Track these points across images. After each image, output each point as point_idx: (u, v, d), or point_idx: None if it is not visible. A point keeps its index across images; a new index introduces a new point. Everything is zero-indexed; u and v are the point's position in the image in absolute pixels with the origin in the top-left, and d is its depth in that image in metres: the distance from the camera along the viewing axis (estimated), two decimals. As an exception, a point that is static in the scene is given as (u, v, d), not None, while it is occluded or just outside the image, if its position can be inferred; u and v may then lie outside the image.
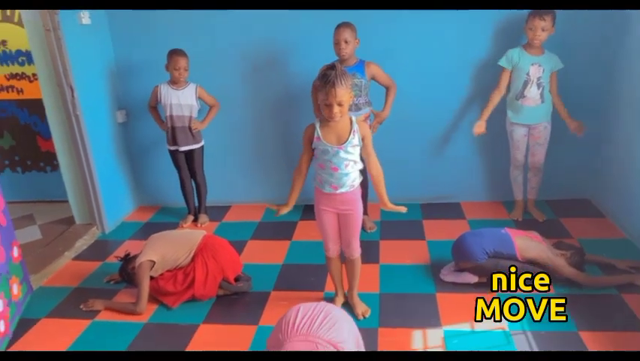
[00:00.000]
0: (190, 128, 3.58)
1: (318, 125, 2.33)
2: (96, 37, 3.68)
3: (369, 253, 3.17)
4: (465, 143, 3.78)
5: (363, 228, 3.32)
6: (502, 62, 3.28)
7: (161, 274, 2.82)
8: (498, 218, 3.59)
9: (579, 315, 2.44)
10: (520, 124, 3.32)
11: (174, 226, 3.84)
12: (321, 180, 2.40)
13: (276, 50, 3.72)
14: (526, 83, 3.21)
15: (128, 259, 2.94)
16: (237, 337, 2.48)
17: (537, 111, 3.26)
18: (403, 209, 2.48)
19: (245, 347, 2.40)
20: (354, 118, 2.35)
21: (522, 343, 2.29)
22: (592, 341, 2.25)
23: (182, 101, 3.53)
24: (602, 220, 3.45)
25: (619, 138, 3.35)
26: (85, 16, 3.48)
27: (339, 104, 2.17)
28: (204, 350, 2.40)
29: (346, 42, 3.09)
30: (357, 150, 2.37)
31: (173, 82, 3.52)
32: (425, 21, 3.48)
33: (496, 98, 3.34)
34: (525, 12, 3.18)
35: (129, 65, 3.90)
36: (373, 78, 3.29)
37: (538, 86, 3.19)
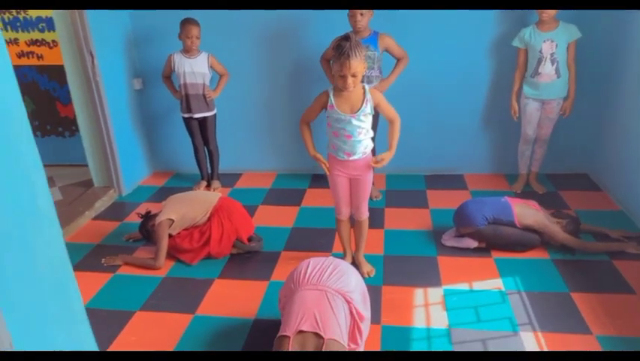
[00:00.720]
0: (204, 96, 3.71)
1: (332, 94, 2.45)
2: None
3: (375, 219, 3.33)
4: (470, 116, 3.89)
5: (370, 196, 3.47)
6: (515, 43, 3.37)
7: (179, 233, 2.99)
8: (499, 189, 3.73)
9: (571, 278, 2.60)
10: (534, 99, 3.41)
11: (188, 190, 3.98)
12: (335, 148, 2.54)
13: (289, 20, 3.81)
14: (539, 61, 3.29)
15: (148, 217, 3.10)
16: (250, 290, 2.66)
17: (552, 87, 3.33)
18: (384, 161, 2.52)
19: (258, 299, 2.58)
20: (367, 87, 2.46)
21: (516, 302, 2.45)
22: (582, 301, 2.41)
23: (195, 69, 3.65)
24: (599, 193, 3.59)
25: (618, 115, 3.46)
26: (105, -16, 3.57)
27: (353, 75, 2.28)
28: (220, 301, 2.58)
29: (361, 14, 3.17)
30: (370, 119, 2.49)
31: (186, 50, 3.64)
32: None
33: (518, 78, 3.46)
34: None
35: (146, 35, 4.00)
36: (386, 50, 3.38)
37: (552, 62, 3.27)
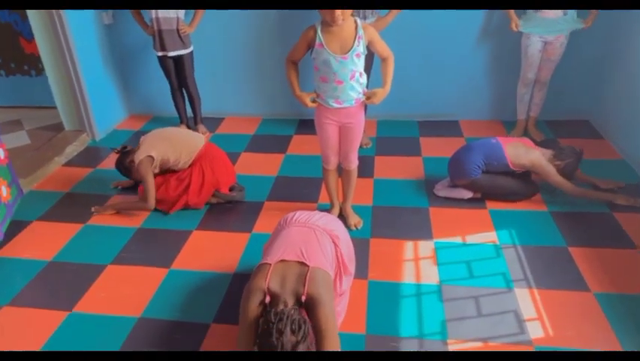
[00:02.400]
0: (178, 32, 3.37)
1: (319, 29, 2.17)
2: None
3: (364, 167, 3.13)
4: (467, 58, 3.62)
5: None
6: None
7: (157, 179, 2.77)
8: (496, 135, 3.52)
9: (569, 231, 2.47)
10: (537, 37, 3.13)
11: (166, 135, 3.75)
12: (324, 96, 2.28)
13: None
14: None
15: (125, 153, 2.84)
16: (231, 242, 2.50)
17: (557, 24, 3.06)
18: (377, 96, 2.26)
19: (239, 252, 2.42)
20: (359, 21, 2.19)
21: (512, 256, 2.32)
22: (580, 257, 2.28)
23: None
24: (600, 141, 3.41)
25: (621, 59, 3.22)
26: None
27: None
28: (198, 254, 2.42)
29: None
30: (363, 60, 2.23)
31: None
32: None
33: None
34: None
35: (114, -40, 3.60)
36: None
37: None
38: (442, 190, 2.84)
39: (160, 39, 3.37)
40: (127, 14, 3.70)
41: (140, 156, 2.67)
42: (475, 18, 3.47)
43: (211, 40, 3.73)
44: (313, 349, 1.55)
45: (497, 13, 3.42)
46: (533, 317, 1.97)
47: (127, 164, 2.80)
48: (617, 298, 2.04)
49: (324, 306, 1.59)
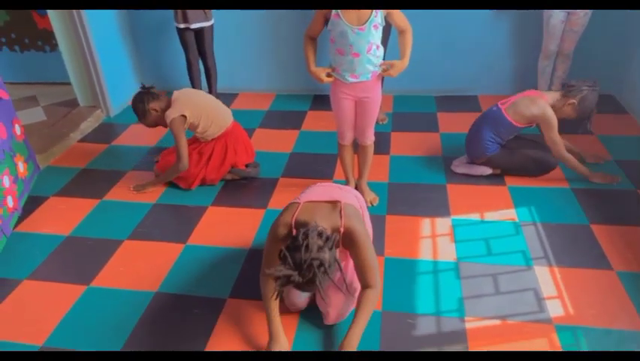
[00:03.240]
0: None
1: None
2: None
3: (380, 144, 3.08)
4: (485, 31, 3.51)
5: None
6: None
7: (174, 154, 2.75)
8: (516, 113, 3.44)
9: (592, 209, 2.41)
10: (559, 10, 3.02)
11: (180, 111, 3.73)
12: (341, 70, 2.22)
13: None
14: None
15: (150, 93, 2.71)
16: (247, 218, 2.49)
17: None
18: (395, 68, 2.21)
19: (254, 227, 2.41)
20: (375, -9, 2.11)
21: (531, 234, 2.27)
22: (603, 234, 2.23)
23: None
24: (624, 116, 3.30)
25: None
26: None
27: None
28: (213, 230, 2.42)
29: None
30: (380, 31, 2.16)
31: None
32: None
33: None
34: None
35: None
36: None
37: None
38: (459, 167, 2.79)
39: (183, 11, 3.31)
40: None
41: (173, 113, 2.59)
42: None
43: (228, 15, 3.66)
44: (338, 269, 1.56)
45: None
46: (553, 295, 1.94)
47: (147, 107, 2.66)
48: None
49: (363, 238, 1.64)
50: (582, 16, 3.02)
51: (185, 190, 2.75)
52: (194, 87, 3.73)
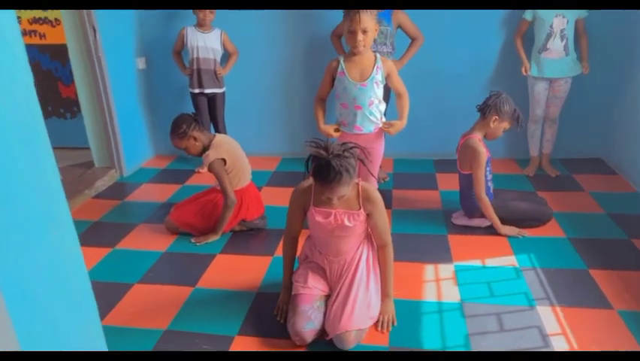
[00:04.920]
0: (215, 72, 3.65)
1: (342, 60, 2.37)
2: (119, -18, 3.71)
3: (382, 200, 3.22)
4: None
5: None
6: (528, 15, 3.28)
7: (188, 206, 2.88)
8: (511, 173, 3.62)
9: (589, 255, 2.49)
10: (541, 78, 3.32)
11: (191, 173, 3.91)
12: (345, 123, 2.44)
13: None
14: (549, 36, 3.21)
15: (198, 122, 2.76)
16: (254, 264, 2.56)
17: (560, 64, 3.25)
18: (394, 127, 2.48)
19: (262, 272, 2.48)
20: (378, 55, 2.37)
21: (532, 277, 2.34)
22: (602, 278, 2.30)
23: (207, 44, 3.59)
24: (614, 177, 3.47)
25: (632, 96, 3.35)
26: (109, -43, 3.51)
27: (364, 31, 2.20)
28: (222, 275, 2.48)
29: None
30: (381, 89, 2.40)
31: (199, 25, 3.59)
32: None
33: (519, 44, 3.39)
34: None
35: (151, 13, 3.92)
36: (400, 27, 3.29)
37: (562, 38, 3.19)
38: (459, 219, 2.90)
39: (198, 77, 3.63)
40: (159, 60, 4.00)
41: (214, 155, 2.69)
42: (486, 61, 3.68)
43: (238, 84, 3.97)
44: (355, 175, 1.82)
45: (509, 58, 3.61)
46: (557, 332, 1.97)
47: (189, 132, 2.72)
48: (640, 315, 2.04)
49: (379, 198, 1.99)
50: (563, 83, 3.31)
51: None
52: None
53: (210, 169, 2.72)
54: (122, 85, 3.82)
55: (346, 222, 1.95)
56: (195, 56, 3.61)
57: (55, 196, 1.10)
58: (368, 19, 2.17)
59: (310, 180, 1.95)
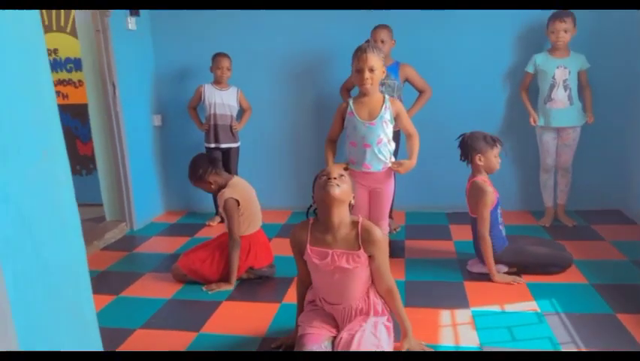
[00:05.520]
0: (231, 128, 3.76)
1: (351, 101, 2.42)
2: (139, 43, 3.94)
3: (394, 249, 3.12)
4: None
5: (388, 228, 3.30)
6: (529, 68, 3.37)
7: (197, 253, 2.83)
8: (526, 224, 3.53)
9: (614, 301, 2.35)
10: (548, 128, 3.34)
11: (201, 226, 3.89)
12: (355, 161, 2.45)
13: (313, 55, 3.89)
14: (552, 87, 3.27)
15: (216, 168, 2.80)
16: (260, 312, 2.46)
17: (565, 114, 3.28)
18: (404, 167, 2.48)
19: (268, 320, 2.37)
20: (386, 96, 2.43)
21: (555, 322, 2.20)
22: (630, 322, 2.15)
23: (225, 101, 3.72)
24: (635, 227, 3.36)
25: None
26: (131, 21, 3.75)
27: (370, 70, 2.26)
28: (228, 321, 2.38)
29: (383, 42, 3.21)
30: (390, 128, 2.42)
31: (217, 82, 3.73)
32: (452, 30, 3.63)
33: (524, 96, 3.45)
34: (546, 17, 3.28)
35: (167, 72, 4.12)
36: (408, 81, 3.39)
37: (565, 88, 3.24)
38: (475, 266, 2.79)
39: (215, 132, 3.72)
40: (174, 118, 4.13)
41: (229, 194, 2.70)
42: (493, 113, 3.73)
43: (249, 139, 4.05)
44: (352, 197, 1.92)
45: (516, 110, 3.67)
46: (587, 376, 1.81)
47: (206, 177, 2.76)
48: (678, 359, 1.87)
49: (381, 236, 1.88)
50: (571, 132, 3.31)
51: (200, 286, 2.75)
52: (215, 202, 3.94)
53: (224, 208, 2.71)
54: (137, 141, 3.92)
55: (345, 265, 1.87)
56: (212, 112, 3.72)
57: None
58: (375, 58, 2.24)
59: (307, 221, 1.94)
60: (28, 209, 1.08)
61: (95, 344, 1.36)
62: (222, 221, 3.88)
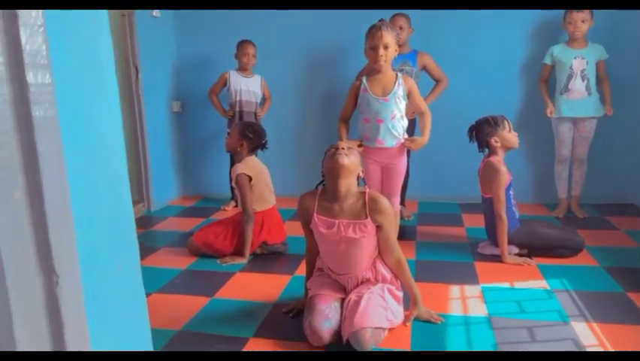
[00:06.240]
0: (255, 115, 3.80)
1: (364, 79, 2.48)
2: (163, 30, 4.06)
3: (406, 233, 3.18)
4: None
5: (400, 216, 3.32)
6: (547, 60, 3.39)
7: (213, 228, 2.90)
8: (540, 214, 3.53)
9: (626, 281, 2.35)
10: (565, 118, 3.35)
11: (216, 210, 3.96)
12: (368, 137, 2.50)
13: (329, 51, 3.97)
14: (570, 77, 3.29)
15: (251, 140, 2.86)
16: (274, 281, 2.51)
17: (583, 104, 3.29)
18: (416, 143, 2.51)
19: (281, 286, 2.43)
20: (399, 73, 2.48)
21: (565, 298, 2.21)
22: (640, 300, 2.15)
23: (250, 88, 3.77)
24: (649, 219, 3.35)
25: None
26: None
27: (385, 47, 2.31)
28: (240, 288, 2.43)
29: (401, 28, 3.27)
30: (403, 104, 2.47)
31: (242, 69, 3.77)
32: (469, 23, 3.67)
33: (543, 88, 3.46)
34: (561, 12, 3.31)
35: (188, 60, 4.23)
36: (425, 69, 3.43)
37: (583, 78, 3.26)
38: (486, 248, 2.81)
39: (240, 120, 3.69)
40: (194, 105, 4.23)
41: (241, 169, 2.77)
42: (510, 104, 3.74)
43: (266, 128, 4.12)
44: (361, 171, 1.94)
45: (531, 102, 3.68)
46: (595, 343, 1.82)
47: (240, 138, 2.83)
48: (688, 333, 1.87)
49: (389, 207, 1.92)
50: (587, 123, 3.32)
51: (214, 259, 2.81)
52: (232, 190, 4.01)
53: (236, 182, 2.78)
54: (157, 125, 4.02)
55: (351, 234, 1.90)
56: (238, 98, 3.75)
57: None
58: (389, 35, 2.30)
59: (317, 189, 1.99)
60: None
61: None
62: (237, 205, 3.97)
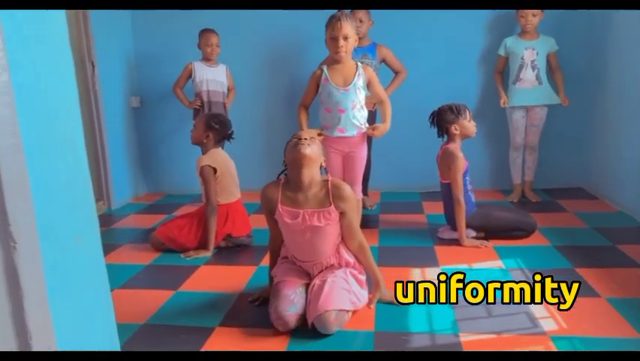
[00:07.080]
0: (224, 105, 3.73)
1: (325, 68, 2.51)
2: (119, 24, 3.97)
3: (369, 222, 3.24)
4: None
5: (363, 205, 3.39)
6: (500, 51, 3.53)
7: (176, 222, 2.88)
8: (495, 200, 3.67)
9: (575, 258, 2.49)
10: (517, 107, 3.49)
11: (179, 206, 3.91)
12: (329, 127, 2.54)
13: (292, 43, 3.98)
14: (521, 67, 3.43)
15: (218, 131, 2.85)
16: (238, 272, 2.52)
17: (534, 93, 3.44)
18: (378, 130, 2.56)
19: (246, 277, 2.44)
20: (359, 64, 2.53)
21: (519, 276, 2.32)
22: (588, 274, 2.29)
23: (217, 77, 3.68)
24: (596, 201, 3.54)
25: (608, 127, 3.51)
26: (111, 1, 3.78)
27: (345, 38, 2.35)
28: (205, 281, 2.43)
29: (361, 21, 3.31)
30: (363, 94, 2.52)
31: (206, 59, 3.67)
32: (428, 15, 3.76)
33: (498, 79, 3.61)
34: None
35: (146, 56, 4.16)
36: (384, 61, 3.50)
37: (533, 68, 3.41)
38: (445, 232, 2.91)
39: (208, 110, 3.62)
40: (152, 101, 4.16)
41: (206, 161, 2.76)
42: (468, 96, 3.83)
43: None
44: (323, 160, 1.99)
45: (488, 93, 3.82)
46: (546, 315, 1.93)
47: (206, 130, 2.82)
48: (629, 301, 2.01)
49: (351, 194, 1.96)
50: (539, 111, 3.48)
51: (178, 254, 2.79)
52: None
53: (200, 174, 2.76)
54: (115, 122, 3.94)
55: (316, 222, 1.93)
56: (205, 89, 3.65)
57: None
58: (349, 26, 2.34)
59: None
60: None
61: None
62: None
